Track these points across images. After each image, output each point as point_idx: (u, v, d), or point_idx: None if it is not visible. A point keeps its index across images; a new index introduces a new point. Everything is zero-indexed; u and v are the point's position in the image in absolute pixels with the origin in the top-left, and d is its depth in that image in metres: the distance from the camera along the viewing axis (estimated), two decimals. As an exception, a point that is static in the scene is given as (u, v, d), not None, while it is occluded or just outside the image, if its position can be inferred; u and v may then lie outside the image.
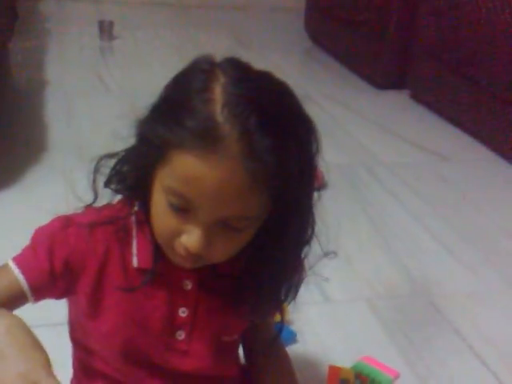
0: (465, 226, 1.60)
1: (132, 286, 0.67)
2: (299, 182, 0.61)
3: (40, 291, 0.66)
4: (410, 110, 2.38)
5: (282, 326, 0.80)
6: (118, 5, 3.56)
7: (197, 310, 0.70)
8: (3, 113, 1.88)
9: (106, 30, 2.90)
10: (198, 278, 0.69)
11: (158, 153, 0.60)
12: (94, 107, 2.13)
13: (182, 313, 0.70)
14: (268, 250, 0.66)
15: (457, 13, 2.11)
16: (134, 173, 0.66)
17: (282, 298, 0.71)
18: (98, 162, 0.68)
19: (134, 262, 0.68)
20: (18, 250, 0.68)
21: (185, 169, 0.58)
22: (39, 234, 0.68)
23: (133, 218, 0.68)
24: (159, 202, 0.62)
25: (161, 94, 0.63)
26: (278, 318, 0.83)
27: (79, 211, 0.70)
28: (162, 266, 0.67)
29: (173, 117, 0.59)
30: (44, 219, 0.68)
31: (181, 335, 0.70)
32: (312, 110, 0.64)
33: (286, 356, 0.85)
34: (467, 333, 1.20)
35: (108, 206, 0.70)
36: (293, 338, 1.12)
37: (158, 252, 0.66)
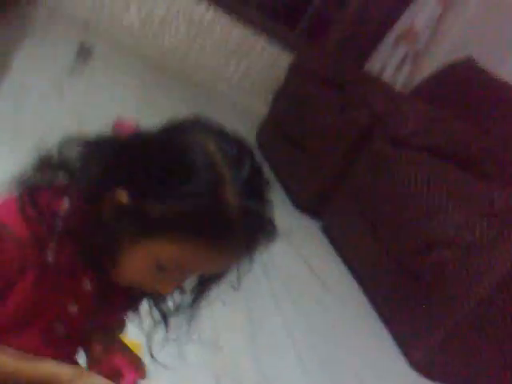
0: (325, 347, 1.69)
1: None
2: None
3: None
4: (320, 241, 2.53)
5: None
6: (109, 36, 3.68)
7: (85, 309, 0.72)
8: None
9: (82, 53, 2.99)
10: (98, 283, 0.71)
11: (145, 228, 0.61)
12: (44, 116, 2.13)
13: (71, 307, 0.71)
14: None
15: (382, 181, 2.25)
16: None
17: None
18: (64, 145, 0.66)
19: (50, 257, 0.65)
20: None
21: (190, 255, 0.61)
22: None
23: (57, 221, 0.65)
24: (140, 260, 0.64)
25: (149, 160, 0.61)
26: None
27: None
28: (67, 263, 0.67)
29: (171, 191, 0.59)
30: None
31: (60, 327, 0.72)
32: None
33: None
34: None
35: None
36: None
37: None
